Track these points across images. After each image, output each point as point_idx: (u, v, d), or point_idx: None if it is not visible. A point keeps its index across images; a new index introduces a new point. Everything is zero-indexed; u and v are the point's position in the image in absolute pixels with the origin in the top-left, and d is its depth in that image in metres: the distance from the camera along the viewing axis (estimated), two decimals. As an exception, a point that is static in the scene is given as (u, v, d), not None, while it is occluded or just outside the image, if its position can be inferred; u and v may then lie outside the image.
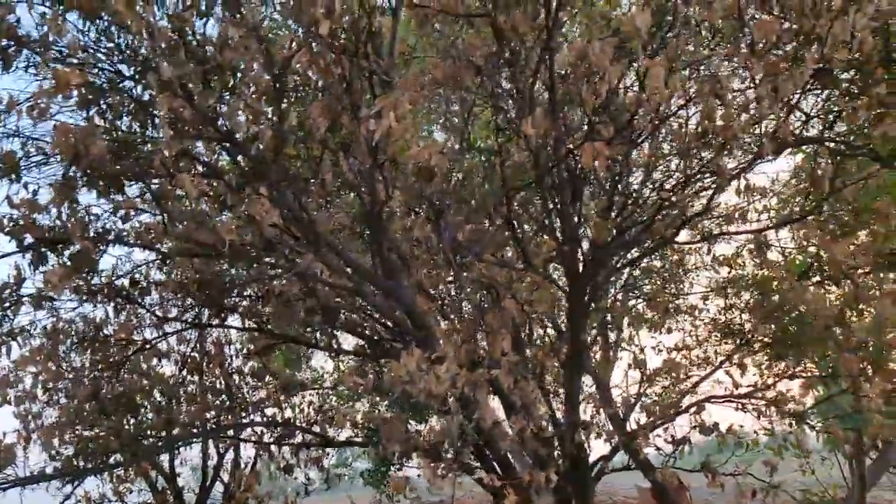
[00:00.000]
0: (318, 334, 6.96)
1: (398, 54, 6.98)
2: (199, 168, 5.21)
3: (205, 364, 8.32)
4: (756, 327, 6.26)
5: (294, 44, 4.32)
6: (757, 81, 3.75)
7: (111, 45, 5.37)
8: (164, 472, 9.76)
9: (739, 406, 5.55)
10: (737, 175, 5.25)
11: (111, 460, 6.44)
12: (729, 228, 6.56)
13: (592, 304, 6.70)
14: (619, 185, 5.91)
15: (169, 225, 5.02)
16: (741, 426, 5.30)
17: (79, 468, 5.97)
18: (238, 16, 4.11)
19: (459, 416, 5.54)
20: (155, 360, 8.34)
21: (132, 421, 6.77)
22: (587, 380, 10.94)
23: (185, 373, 8.36)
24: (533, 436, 6.15)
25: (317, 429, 7.56)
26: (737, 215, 6.42)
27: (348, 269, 5.94)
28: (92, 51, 5.24)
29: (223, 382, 8.45)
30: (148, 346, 6.63)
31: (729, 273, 7.11)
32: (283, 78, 4.28)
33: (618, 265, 6.19)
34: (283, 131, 4.60)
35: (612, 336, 10.43)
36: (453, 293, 6.52)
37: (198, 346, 8.63)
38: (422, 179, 4.23)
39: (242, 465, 10.00)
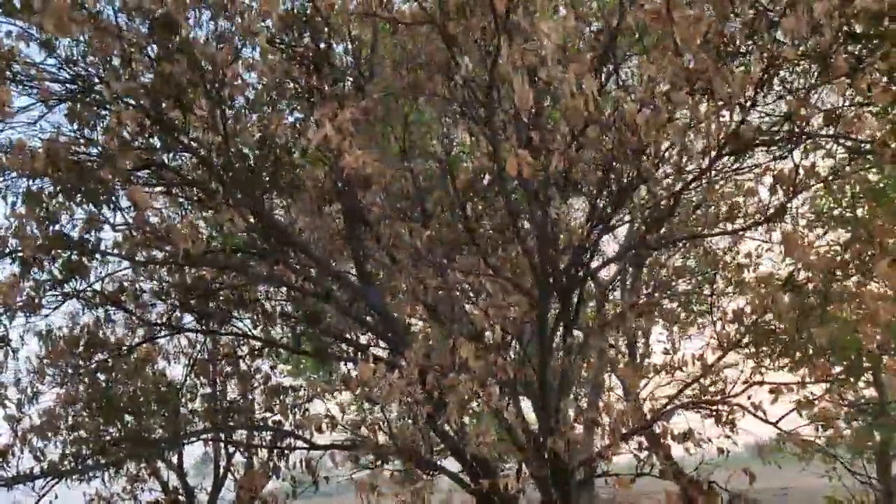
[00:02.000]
0: (300, 338, 7.05)
1: (383, 61, 7.03)
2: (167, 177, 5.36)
3: (210, 367, 8.51)
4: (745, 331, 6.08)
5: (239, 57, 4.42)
6: (685, 84, 3.65)
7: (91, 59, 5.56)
8: (176, 470, 10.00)
9: (710, 412, 5.42)
10: (699, 176, 5.14)
11: (102, 460, 6.65)
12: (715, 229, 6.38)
13: (573, 309, 6.63)
14: (603, 190, 5.82)
15: (137, 234, 5.17)
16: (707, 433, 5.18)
17: (62, 468, 6.18)
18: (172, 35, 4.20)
19: (421, 420, 5.56)
20: (163, 363, 8.64)
21: (123, 422, 6.96)
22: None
23: (192, 375, 8.60)
24: (500, 441, 6.10)
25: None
26: (721, 215, 6.24)
27: (315, 273, 6.02)
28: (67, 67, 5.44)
29: (223, 386, 8.66)
30: (128, 351, 6.82)
31: (715, 273, 6.91)
32: (219, 90, 4.36)
33: (591, 269, 6.10)
34: (229, 140, 4.69)
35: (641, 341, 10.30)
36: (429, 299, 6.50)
37: (205, 349, 8.84)
38: (358, 187, 4.25)
39: (256, 466, 10.18)
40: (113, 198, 5.05)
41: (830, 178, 5.17)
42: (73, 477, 6.19)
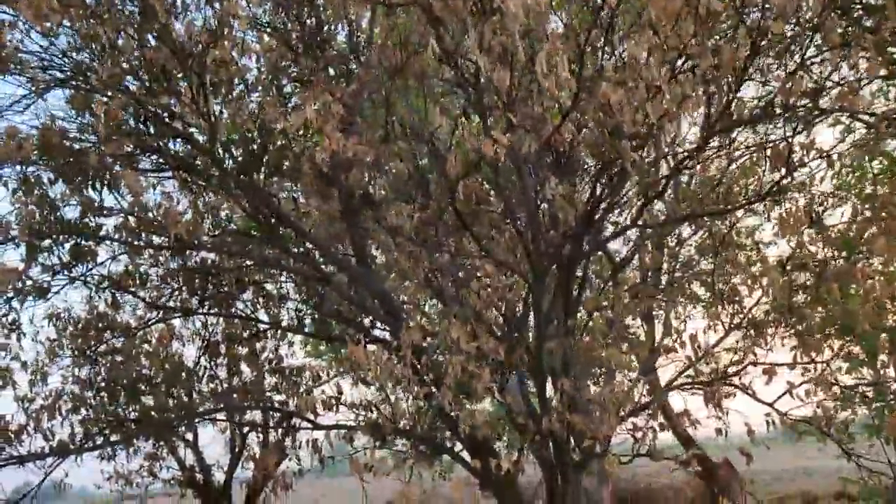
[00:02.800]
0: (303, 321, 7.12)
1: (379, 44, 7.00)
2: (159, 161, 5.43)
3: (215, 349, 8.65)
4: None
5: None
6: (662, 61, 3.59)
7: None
8: (194, 448, 10.22)
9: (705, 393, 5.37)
10: (690, 156, 5.06)
11: (112, 438, 6.83)
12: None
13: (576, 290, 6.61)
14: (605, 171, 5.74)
15: (132, 219, 5.27)
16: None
17: (71, 447, 6.34)
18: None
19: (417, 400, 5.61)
20: (175, 345, 8.82)
21: (131, 402, 7.13)
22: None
23: (204, 356, 8.78)
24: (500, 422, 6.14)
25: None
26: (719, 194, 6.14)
27: (315, 257, 6.07)
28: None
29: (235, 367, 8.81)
30: (135, 332, 6.96)
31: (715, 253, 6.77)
32: (201, 75, 4.39)
33: (593, 248, 6.06)
34: (217, 125, 4.73)
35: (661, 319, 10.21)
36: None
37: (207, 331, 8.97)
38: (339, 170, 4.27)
39: (269, 446, 10.34)
40: (107, 182, 5.13)
41: (831, 153, 5.07)
42: (82, 455, 6.36)
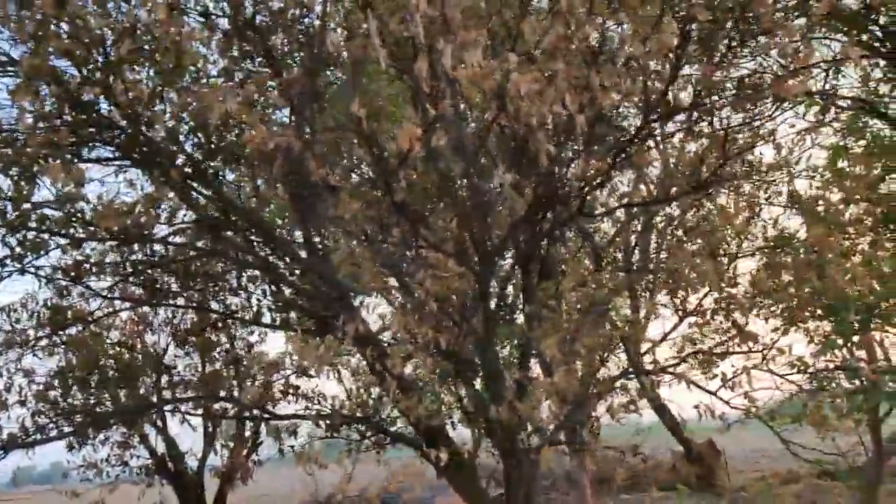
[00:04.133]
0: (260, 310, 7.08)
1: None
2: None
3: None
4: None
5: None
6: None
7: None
8: (167, 437, 10.21)
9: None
10: (628, 144, 4.99)
11: (65, 429, 6.81)
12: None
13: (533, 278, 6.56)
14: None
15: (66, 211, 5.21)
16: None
17: (21, 440, 6.33)
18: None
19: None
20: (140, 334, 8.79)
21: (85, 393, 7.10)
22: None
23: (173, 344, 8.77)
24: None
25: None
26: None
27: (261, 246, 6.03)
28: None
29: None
30: (92, 321, 6.92)
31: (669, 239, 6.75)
32: (119, 65, 4.31)
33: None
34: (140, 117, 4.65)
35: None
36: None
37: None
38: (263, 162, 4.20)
39: (245, 437, 10.32)
40: (33, 175, 5.06)
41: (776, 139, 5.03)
42: (33, 448, 6.34)
